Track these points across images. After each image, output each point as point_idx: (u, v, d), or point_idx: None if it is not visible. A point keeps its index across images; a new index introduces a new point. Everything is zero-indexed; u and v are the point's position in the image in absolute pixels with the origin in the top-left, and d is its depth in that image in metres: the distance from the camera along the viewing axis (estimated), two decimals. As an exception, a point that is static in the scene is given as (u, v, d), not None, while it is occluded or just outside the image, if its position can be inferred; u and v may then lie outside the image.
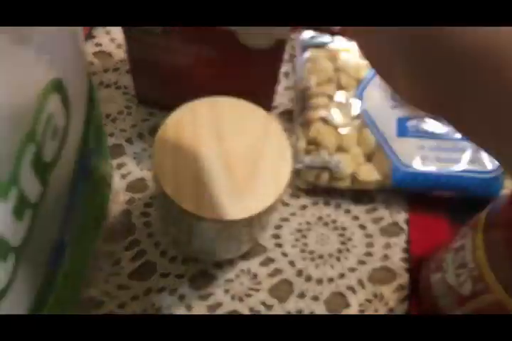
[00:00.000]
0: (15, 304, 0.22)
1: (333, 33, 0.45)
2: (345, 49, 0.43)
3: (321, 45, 0.44)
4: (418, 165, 0.37)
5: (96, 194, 0.32)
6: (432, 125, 0.39)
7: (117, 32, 0.44)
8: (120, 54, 0.44)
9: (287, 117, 0.42)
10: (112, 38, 0.44)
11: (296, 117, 0.42)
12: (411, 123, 0.39)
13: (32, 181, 0.21)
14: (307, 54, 0.43)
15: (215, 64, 0.35)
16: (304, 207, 0.38)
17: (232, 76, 0.36)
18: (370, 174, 0.38)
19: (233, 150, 0.30)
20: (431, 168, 0.38)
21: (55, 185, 0.24)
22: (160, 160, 0.29)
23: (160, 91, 0.40)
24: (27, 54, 0.19)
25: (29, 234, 0.22)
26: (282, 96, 0.43)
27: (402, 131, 0.39)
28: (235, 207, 0.28)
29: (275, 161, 0.30)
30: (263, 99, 0.38)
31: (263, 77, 0.36)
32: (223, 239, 0.31)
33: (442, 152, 0.38)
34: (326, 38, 0.44)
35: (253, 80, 0.36)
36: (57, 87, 0.22)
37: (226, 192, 0.28)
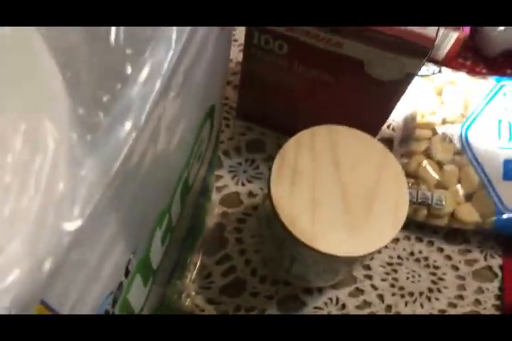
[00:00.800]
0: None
1: (438, 63, 0.44)
2: (451, 81, 0.42)
3: (427, 76, 0.43)
4: (522, 211, 0.36)
5: (200, 205, 0.32)
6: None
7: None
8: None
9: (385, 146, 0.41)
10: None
11: (396, 147, 0.41)
12: (518, 167, 0.38)
13: (177, 206, 0.21)
14: (412, 83, 0.42)
15: (330, 89, 0.35)
16: (396, 241, 0.38)
17: (345, 103, 0.36)
18: (470, 214, 0.37)
19: (350, 182, 0.29)
20: (535, 215, 0.36)
21: (188, 205, 0.24)
22: (276, 183, 0.29)
23: (264, 108, 0.39)
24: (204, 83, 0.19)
25: (163, 258, 0.22)
26: (382, 123, 0.42)
27: (509, 173, 0.37)
28: (349, 243, 0.27)
29: (392, 197, 0.29)
30: (370, 128, 0.38)
31: (378, 108, 0.35)
32: (323, 269, 0.31)
33: (549, 200, 0.37)
34: (432, 68, 0.43)
35: (366, 110, 0.36)
36: (211, 112, 0.22)
37: (341, 226, 0.28)
